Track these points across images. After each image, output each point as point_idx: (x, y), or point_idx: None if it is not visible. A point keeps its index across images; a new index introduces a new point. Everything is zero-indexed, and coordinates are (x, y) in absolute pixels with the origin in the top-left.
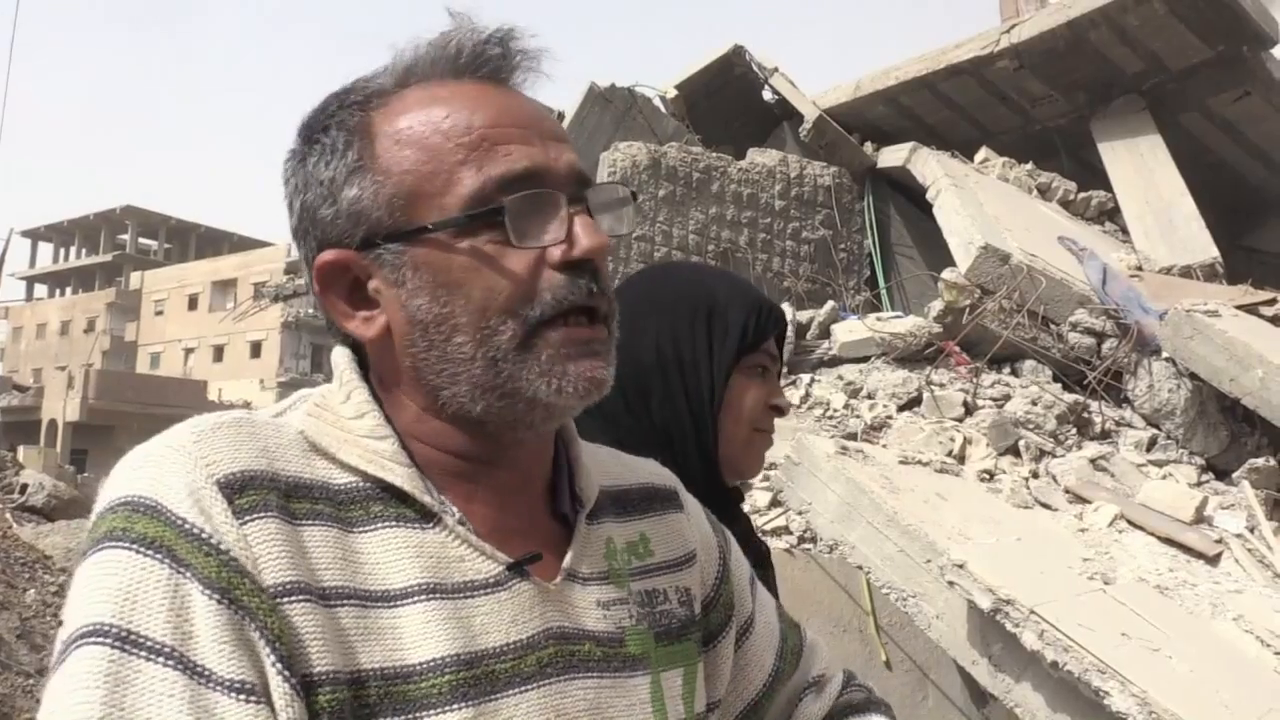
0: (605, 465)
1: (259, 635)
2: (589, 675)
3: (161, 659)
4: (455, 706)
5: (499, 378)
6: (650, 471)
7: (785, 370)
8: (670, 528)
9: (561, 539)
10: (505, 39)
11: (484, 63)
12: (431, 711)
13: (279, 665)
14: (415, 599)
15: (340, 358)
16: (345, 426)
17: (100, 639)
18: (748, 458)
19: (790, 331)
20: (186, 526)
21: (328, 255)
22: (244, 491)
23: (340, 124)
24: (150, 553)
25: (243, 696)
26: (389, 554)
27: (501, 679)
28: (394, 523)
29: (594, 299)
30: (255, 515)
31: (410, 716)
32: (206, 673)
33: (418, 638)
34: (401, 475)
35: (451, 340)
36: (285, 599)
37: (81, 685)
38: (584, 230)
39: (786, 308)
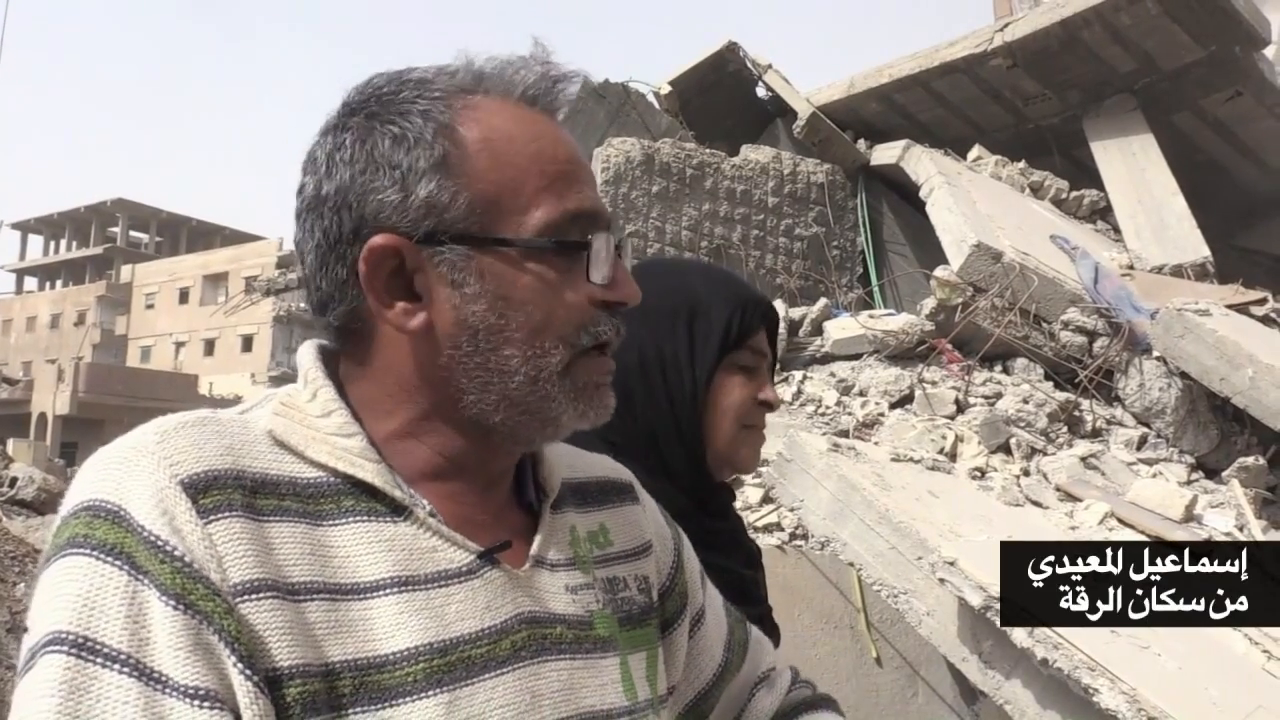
0: (564, 459)
1: (218, 638)
2: (561, 657)
3: (117, 666)
4: (430, 693)
5: (533, 396)
6: (606, 466)
7: (778, 365)
8: (627, 519)
9: (528, 528)
10: (566, 80)
11: (549, 98)
12: (406, 699)
13: (240, 665)
14: (387, 591)
15: (305, 355)
16: (312, 424)
17: (59, 647)
18: (738, 454)
19: (782, 328)
20: (145, 534)
21: (384, 239)
22: (208, 491)
23: (425, 114)
24: (110, 559)
25: (198, 702)
26: (360, 547)
27: (477, 664)
28: (365, 517)
29: (617, 338)
30: (220, 515)
31: (385, 705)
32: (163, 679)
33: (390, 628)
34: (371, 471)
35: (499, 351)
36: (251, 596)
37: (41, 694)
38: (625, 278)
39: (779, 304)
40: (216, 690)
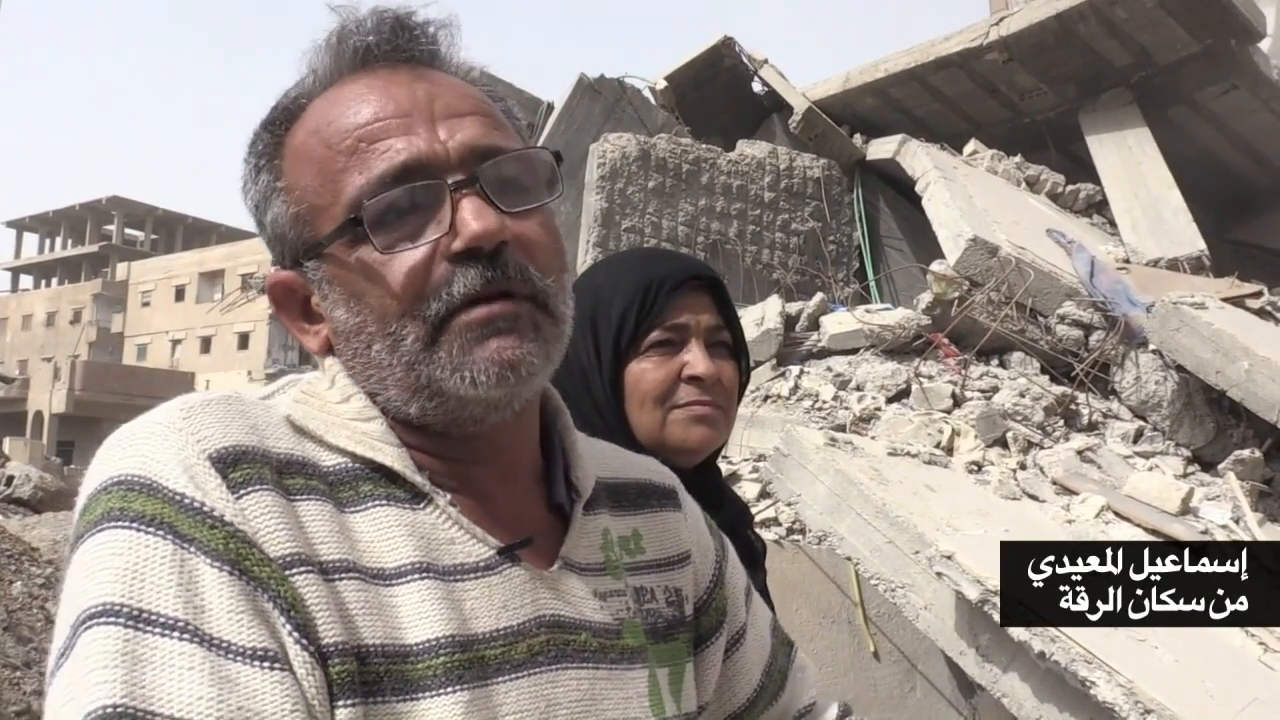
0: (604, 458)
1: (272, 605)
2: (583, 665)
3: (176, 634)
4: (451, 689)
5: (419, 380)
6: (649, 468)
7: (774, 360)
8: (665, 526)
9: (558, 529)
10: (386, 23)
11: (367, 52)
12: (428, 693)
13: (296, 634)
14: (410, 578)
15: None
16: (332, 410)
17: (111, 619)
18: (673, 438)
19: (779, 321)
20: (186, 501)
21: (273, 277)
22: (237, 465)
23: (254, 150)
24: (152, 530)
25: (264, 664)
26: (382, 532)
27: (491, 665)
28: (385, 502)
29: (495, 284)
30: (251, 489)
31: (408, 697)
32: (224, 644)
33: (414, 617)
34: (392, 455)
35: (371, 348)
36: (290, 570)
37: (99, 665)
38: (471, 215)
39: (775, 300)
40: (278, 652)
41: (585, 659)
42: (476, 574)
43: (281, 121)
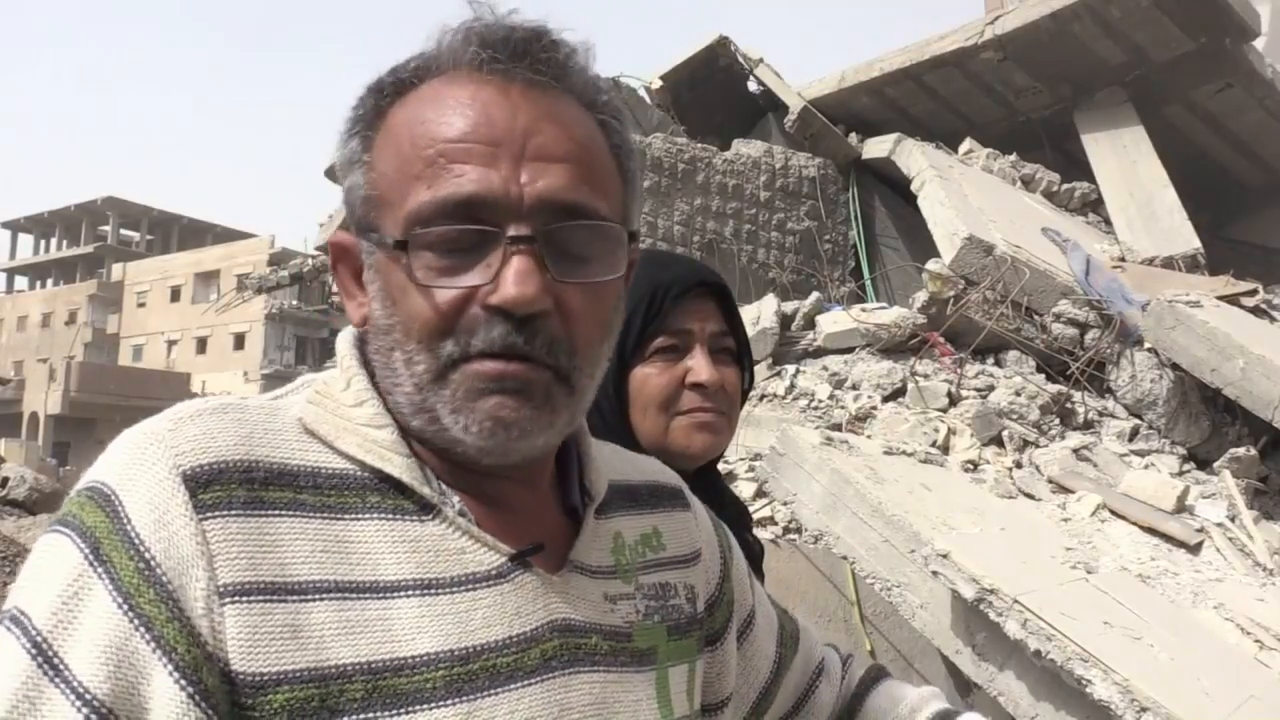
0: (612, 462)
1: (153, 646)
2: (595, 669)
3: (24, 639)
4: (449, 702)
5: (424, 404)
6: (656, 470)
7: (770, 359)
8: (679, 524)
9: (569, 532)
10: (519, 35)
11: (493, 60)
12: (424, 707)
13: (178, 674)
14: (409, 593)
15: (343, 343)
16: (345, 414)
17: (3, 621)
18: (676, 444)
19: (775, 321)
20: (126, 525)
21: (338, 235)
22: (209, 486)
23: (356, 111)
24: (79, 542)
25: (82, 706)
26: (383, 545)
27: (503, 673)
28: (390, 515)
29: (515, 350)
30: (218, 512)
31: (402, 711)
32: (62, 667)
33: (411, 631)
34: (399, 465)
35: (394, 353)
36: (240, 599)
37: None
38: (514, 278)
39: (771, 299)
40: (110, 703)
41: (596, 663)
42: (489, 582)
43: (390, 92)
